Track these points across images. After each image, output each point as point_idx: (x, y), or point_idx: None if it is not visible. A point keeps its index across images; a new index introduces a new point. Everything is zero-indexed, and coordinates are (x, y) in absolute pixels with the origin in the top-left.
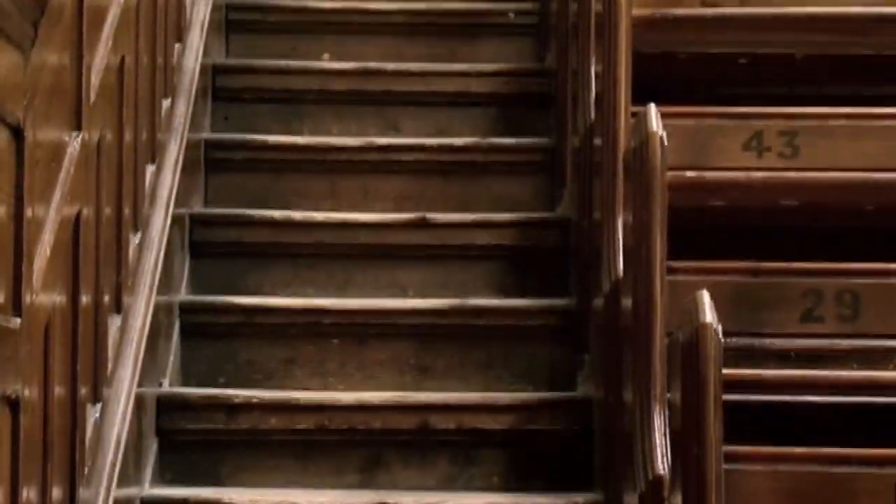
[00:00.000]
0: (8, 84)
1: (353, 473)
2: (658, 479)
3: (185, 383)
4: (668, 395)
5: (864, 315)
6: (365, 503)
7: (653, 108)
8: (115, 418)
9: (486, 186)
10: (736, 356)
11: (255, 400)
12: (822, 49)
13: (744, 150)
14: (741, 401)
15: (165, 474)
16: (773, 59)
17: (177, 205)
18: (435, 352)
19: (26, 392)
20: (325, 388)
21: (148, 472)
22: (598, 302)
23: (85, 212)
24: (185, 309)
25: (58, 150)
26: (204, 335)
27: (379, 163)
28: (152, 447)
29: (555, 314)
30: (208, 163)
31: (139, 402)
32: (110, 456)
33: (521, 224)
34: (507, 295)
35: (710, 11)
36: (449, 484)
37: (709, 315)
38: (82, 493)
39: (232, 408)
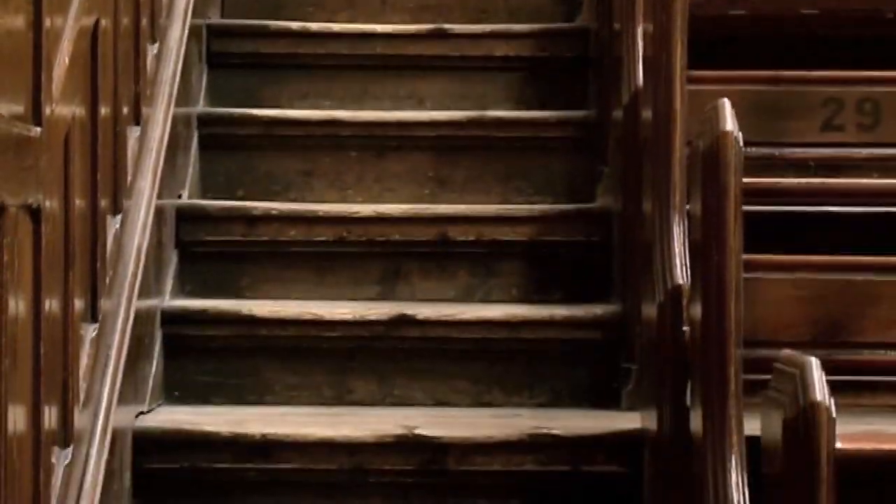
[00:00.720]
0: None
1: (373, 285)
2: (677, 289)
3: (204, 196)
4: (688, 206)
5: (885, 123)
6: (385, 314)
7: None
8: (135, 229)
9: None
10: (756, 166)
11: (274, 211)
12: None
13: None
14: (761, 211)
15: (185, 286)
16: None
17: (194, 16)
18: (454, 164)
19: (47, 202)
20: (344, 200)
21: (168, 284)
22: (618, 113)
23: (102, 22)
24: (204, 121)
25: None
26: (222, 147)
27: None
28: (172, 259)
29: (574, 125)
30: None
31: (159, 214)
32: (131, 266)
33: (540, 34)
34: (527, 107)
35: None
36: (468, 295)
37: (730, 123)
38: (104, 303)
39: (251, 219)
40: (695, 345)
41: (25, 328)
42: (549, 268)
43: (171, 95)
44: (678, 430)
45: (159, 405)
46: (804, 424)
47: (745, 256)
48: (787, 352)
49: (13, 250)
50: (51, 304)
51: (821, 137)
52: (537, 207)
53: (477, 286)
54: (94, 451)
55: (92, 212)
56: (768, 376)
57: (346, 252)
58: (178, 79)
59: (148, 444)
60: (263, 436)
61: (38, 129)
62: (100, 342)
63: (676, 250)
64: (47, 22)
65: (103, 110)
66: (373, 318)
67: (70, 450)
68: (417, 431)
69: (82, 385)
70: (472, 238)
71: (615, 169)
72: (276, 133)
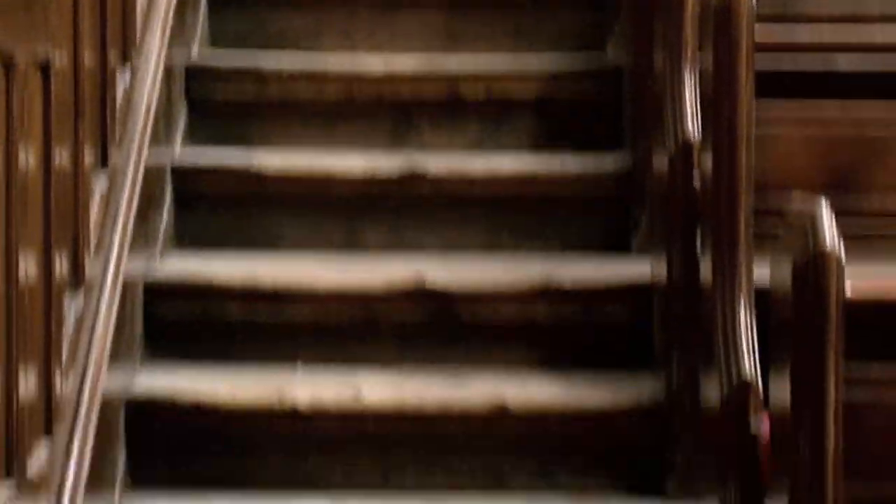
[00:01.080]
0: None
1: (383, 139)
2: (688, 141)
3: (214, 55)
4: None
5: None
6: (396, 166)
7: None
8: (144, 85)
9: None
10: (767, 22)
11: (284, 69)
12: None
13: None
14: (772, 70)
15: (195, 142)
16: None
17: None
18: (464, 18)
19: (56, 57)
20: (354, 58)
21: (178, 138)
22: None
23: None
24: None
25: None
26: (231, 3)
27: None
28: (182, 114)
29: None
30: None
31: (168, 71)
32: (141, 121)
33: None
34: None
35: None
36: (478, 146)
37: None
38: (114, 156)
39: (261, 77)
40: (705, 195)
41: (36, 179)
42: (559, 122)
43: None
44: (688, 277)
45: (170, 256)
46: (814, 271)
47: (756, 108)
48: (797, 198)
49: (23, 104)
50: (61, 156)
51: None
52: (548, 62)
53: (486, 138)
54: (104, 298)
55: (101, 66)
56: (777, 232)
57: (357, 108)
58: None
59: (159, 293)
60: (273, 281)
61: None
62: (110, 194)
63: (688, 104)
64: None
65: None
66: (384, 171)
67: (81, 297)
68: (428, 279)
69: (93, 234)
70: (482, 93)
71: (626, 24)
72: None
